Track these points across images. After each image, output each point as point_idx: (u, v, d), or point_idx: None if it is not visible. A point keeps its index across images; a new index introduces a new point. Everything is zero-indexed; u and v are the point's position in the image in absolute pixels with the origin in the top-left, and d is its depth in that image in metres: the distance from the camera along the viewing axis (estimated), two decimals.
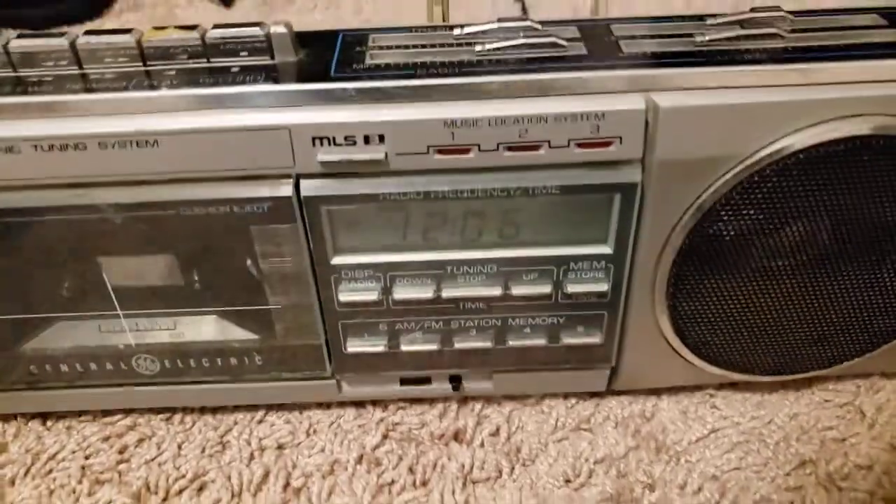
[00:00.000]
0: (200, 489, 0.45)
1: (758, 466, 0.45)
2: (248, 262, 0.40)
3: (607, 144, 0.37)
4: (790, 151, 0.37)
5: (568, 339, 0.44)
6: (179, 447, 0.48)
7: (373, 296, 0.41)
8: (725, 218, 0.39)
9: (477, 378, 0.48)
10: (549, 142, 0.36)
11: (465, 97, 0.36)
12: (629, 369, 0.47)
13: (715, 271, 0.41)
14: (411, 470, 0.46)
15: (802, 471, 0.45)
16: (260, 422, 0.49)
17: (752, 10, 0.39)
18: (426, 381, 0.48)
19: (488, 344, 0.44)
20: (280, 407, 0.50)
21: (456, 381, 0.48)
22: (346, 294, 0.42)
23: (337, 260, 0.41)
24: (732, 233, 0.39)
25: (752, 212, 0.38)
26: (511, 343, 0.44)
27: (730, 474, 0.45)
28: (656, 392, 0.49)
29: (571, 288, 0.41)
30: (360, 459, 0.47)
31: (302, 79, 0.36)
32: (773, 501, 0.44)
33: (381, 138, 0.36)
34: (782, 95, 0.36)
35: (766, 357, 0.45)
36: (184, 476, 0.46)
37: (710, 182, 0.38)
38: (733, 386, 0.49)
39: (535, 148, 0.37)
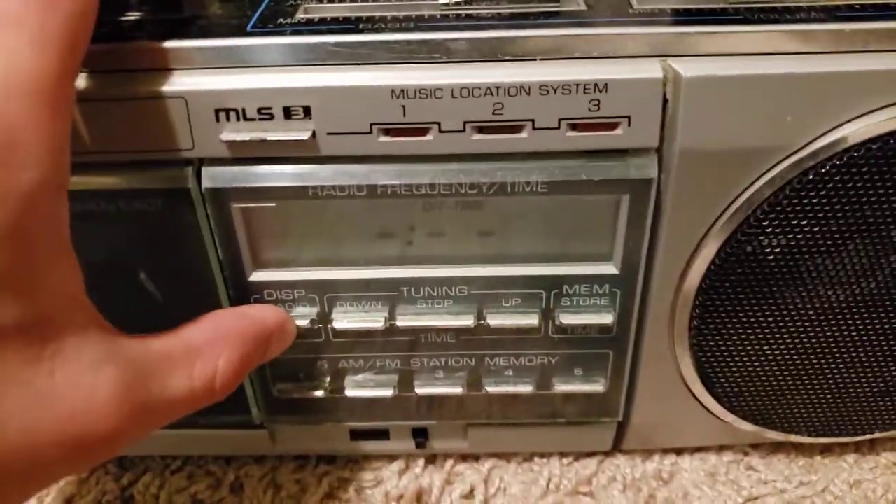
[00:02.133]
0: None
1: None
2: (143, 275, 0.31)
3: (612, 127, 0.28)
4: (858, 141, 0.28)
5: (562, 386, 0.35)
6: (69, 502, 0.39)
7: (305, 323, 0.33)
8: (769, 230, 0.30)
9: (447, 433, 0.39)
10: (532, 121, 0.28)
11: (421, 59, 0.28)
12: (641, 425, 0.38)
13: (753, 300, 0.32)
14: None
15: None
16: (175, 472, 0.40)
17: None
18: (383, 434, 0.39)
19: (459, 390, 0.35)
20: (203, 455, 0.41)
21: (421, 435, 0.39)
22: None
23: (256, 276, 0.32)
24: (777, 250, 0.30)
25: (804, 223, 0.29)
26: (488, 390, 0.35)
27: None
28: (676, 448, 0.40)
29: (566, 319, 0.33)
30: None
31: (206, 34, 0.28)
32: None
33: (307, 111, 0.28)
34: (848, 64, 0.27)
35: (817, 413, 0.36)
36: None
37: (748, 182, 0.29)
38: (780, 445, 0.40)
39: (515, 129, 0.28)
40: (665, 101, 0.28)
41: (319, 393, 0.35)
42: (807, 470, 0.39)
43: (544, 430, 0.38)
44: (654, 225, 0.30)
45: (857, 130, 0.28)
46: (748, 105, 0.27)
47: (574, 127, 0.28)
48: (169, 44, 0.28)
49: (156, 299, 0.32)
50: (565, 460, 0.40)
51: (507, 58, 0.28)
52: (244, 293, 0.32)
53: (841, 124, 0.28)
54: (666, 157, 0.29)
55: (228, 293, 0.32)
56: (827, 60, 0.27)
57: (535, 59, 0.28)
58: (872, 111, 0.28)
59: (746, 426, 0.37)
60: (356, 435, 0.39)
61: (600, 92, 0.27)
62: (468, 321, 0.33)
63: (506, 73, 0.27)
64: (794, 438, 0.38)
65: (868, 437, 0.38)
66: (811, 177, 0.28)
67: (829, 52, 0.28)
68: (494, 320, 0.33)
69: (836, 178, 0.28)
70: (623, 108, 0.28)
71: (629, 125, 0.28)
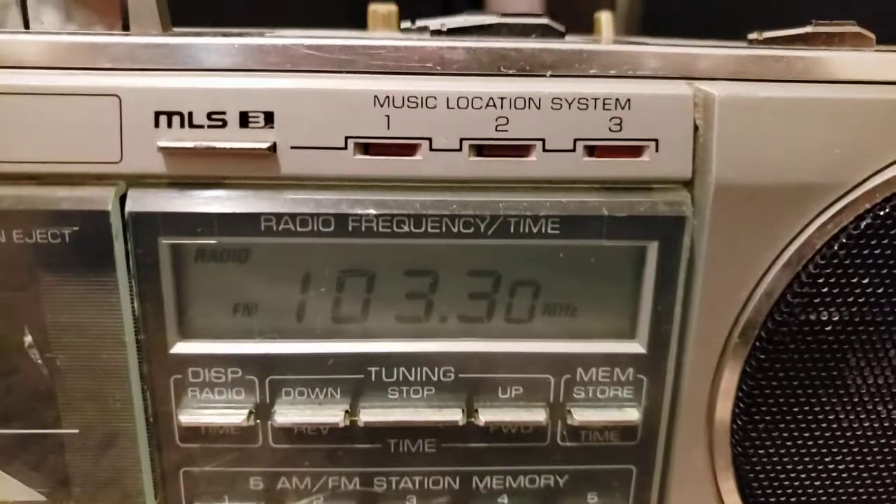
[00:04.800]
0: None
1: None
2: (28, 341, 0.24)
3: (636, 152, 0.24)
4: None
5: None
6: None
7: (239, 420, 0.25)
8: (824, 289, 0.25)
9: None
10: (543, 141, 0.24)
11: (412, 69, 0.24)
12: None
13: (811, 392, 0.26)
14: None
15: None
16: None
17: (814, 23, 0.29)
18: None
19: None
20: None
21: None
22: (194, 414, 0.25)
23: (181, 347, 0.25)
24: (837, 319, 0.25)
25: (864, 280, 0.25)
26: None
27: None
28: None
29: (581, 415, 0.26)
30: None
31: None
32: None
33: (269, 118, 0.23)
34: None
35: None
36: None
37: (797, 229, 0.25)
38: None
39: (522, 151, 0.24)
40: (696, 127, 0.24)
41: None
42: None
43: None
44: (688, 284, 0.25)
45: None
46: (790, 133, 0.24)
47: (592, 151, 0.24)
48: (103, 39, 0.24)
49: (44, 378, 0.25)
50: None
51: (511, 71, 0.24)
52: (162, 370, 0.25)
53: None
54: (698, 194, 0.25)
55: (141, 370, 0.25)
56: (880, 88, 0.25)
57: (545, 76, 0.24)
58: None
59: None
60: None
61: (622, 108, 0.24)
62: (454, 417, 0.26)
63: (512, 84, 0.24)
64: None
65: None
66: (869, 220, 0.25)
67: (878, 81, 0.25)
68: (488, 416, 0.26)
69: None
70: (649, 129, 0.24)
71: (657, 150, 0.24)
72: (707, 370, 0.26)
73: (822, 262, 0.25)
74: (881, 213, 0.25)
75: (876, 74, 0.25)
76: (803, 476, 0.27)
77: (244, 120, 0.23)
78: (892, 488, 0.28)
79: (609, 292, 0.26)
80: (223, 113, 0.23)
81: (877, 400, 0.27)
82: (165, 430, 0.26)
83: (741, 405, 0.26)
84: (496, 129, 0.24)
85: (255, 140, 0.23)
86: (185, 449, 0.26)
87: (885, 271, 0.25)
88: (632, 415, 0.26)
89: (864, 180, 0.25)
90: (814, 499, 0.28)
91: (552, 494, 0.27)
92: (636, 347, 0.26)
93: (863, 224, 0.25)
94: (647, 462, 0.27)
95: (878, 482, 0.28)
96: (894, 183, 0.25)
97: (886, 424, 0.27)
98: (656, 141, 0.24)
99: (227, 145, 0.23)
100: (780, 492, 0.27)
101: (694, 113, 0.24)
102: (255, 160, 0.23)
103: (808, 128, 0.24)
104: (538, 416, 0.26)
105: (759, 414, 0.26)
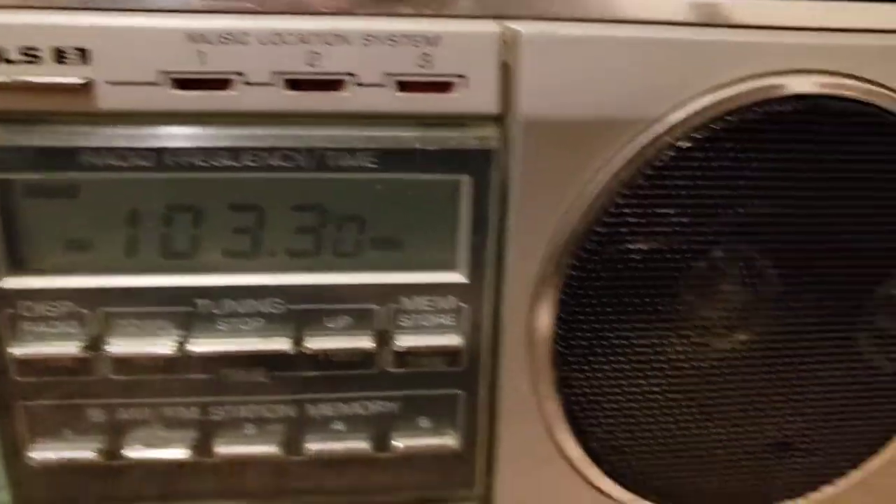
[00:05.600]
0: None
1: None
2: None
3: (446, 88, 0.25)
4: (715, 114, 0.26)
5: (404, 441, 0.29)
6: None
7: (73, 349, 0.26)
8: (630, 219, 0.27)
9: None
10: (355, 76, 0.25)
11: (226, 7, 0.25)
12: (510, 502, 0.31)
13: (624, 318, 0.28)
14: None
15: None
16: None
17: None
18: None
19: (273, 449, 0.28)
20: None
21: None
22: (28, 347, 0.26)
23: (12, 283, 0.26)
24: (645, 248, 0.27)
25: (668, 209, 0.27)
26: (309, 448, 0.29)
27: None
28: None
29: (405, 341, 0.28)
30: None
31: None
32: None
33: (84, 55, 0.24)
34: (706, 34, 0.26)
35: (709, 475, 0.31)
36: None
37: (603, 161, 0.27)
38: None
39: (335, 86, 0.25)
40: (505, 64, 0.26)
41: (90, 455, 0.28)
42: None
43: None
44: (503, 216, 0.27)
45: (714, 102, 0.26)
46: (599, 69, 0.26)
47: (403, 86, 0.25)
48: None
49: None
50: None
51: (323, 10, 0.25)
52: None
53: (699, 94, 0.26)
54: (509, 129, 0.26)
55: None
56: (682, 30, 0.26)
57: (356, 14, 0.25)
58: (732, 82, 0.26)
59: (624, 495, 0.31)
60: None
61: (431, 45, 0.25)
62: (283, 345, 0.27)
63: (324, 21, 0.25)
64: None
65: None
66: (670, 153, 0.26)
67: (684, 23, 0.27)
68: (316, 343, 0.27)
69: (699, 154, 0.26)
70: (457, 65, 0.25)
71: (467, 86, 0.25)
72: (525, 298, 0.28)
73: (628, 194, 0.27)
74: (681, 145, 0.26)
75: (673, 15, 0.27)
76: (622, 399, 0.29)
77: (60, 56, 0.24)
78: (705, 408, 0.30)
79: (431, 225, 0.27)
80: (37, 49, 0.24)
81: (688, 325, 0.29)
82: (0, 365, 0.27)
83: (559, 332, 0.28)
84: (308, 64, 0.25)
85: (71, 75, 0.24)
86: (22, 383, 0.27)
87: (688, 201, 0.27)
88: (454, 340, 0.28)
89: (666, 115, 0.26)
90: (632, 420, 0.30)
91: (384, 420, 0.29)
92: (457, 277, 0.28)
93: (664, 156, 0.26)
94: (474, 387, 0.29)
95: (692, 404, 0.30)
96: (693, 117, 0.26)
97: (698, 348, 0.29)
98: (465, 77, 0.25)
99: (42, 80, 0.24)
100: (600, 414, 0.29)
101: (503, 51, 0.26)
102: (72, 95, 0.24)
103: (612, 65, 0.26)
104: (364, 343, 0.27)
105: (577, 340, 0.28)
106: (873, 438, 0.32)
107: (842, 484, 0.33)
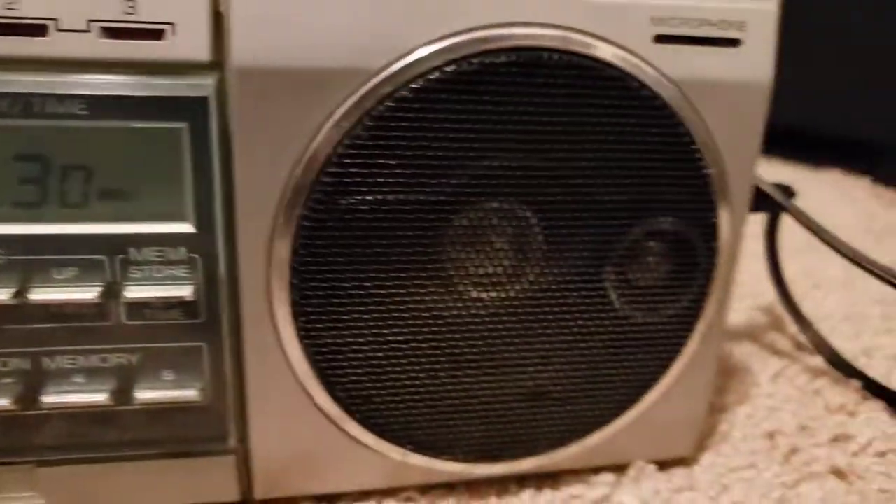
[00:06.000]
0: None
1: None
2: None
3: (156, 35, 0.25)
4: (433, 65, 0.27)
5: (146, 394, 0.29)
6: None
7: None
8: (358, 177, 0.27)
9: (9, 481, 0.31)
10: (57, 21, 0.25)
11: None
12: (268, 458, 0.32)
13: (360, 269, 0.29)
14: None
15: None
16: None
17: None
18: None
19: (5, 402, 0.28)
20: None
21: None
22: None
23: None
24: (371, 199, 0.28)
25: (391, 161, 0.27)
26: (45, 401, 0.28)
27: None
28: (328, 494, 0.34)
29: (133, 293, 0.28)
30: None
31: None
32: None
33: None
34: None
35: (464, 424, 0.32)
36: None
37: (325, 113, 0.27)
38: (451, 488, 0.35)
39: (37, 30, 0.25)
40: (217, 13, 0.26)
41: None
42: None
43: (148, 471, 0.31)
44: (229, 166, 0.27)
45: (433, 52, 0.27)
46: (312, 20, 0.26)
47: (109, 32, 0.25)
48: None
49: None
50: None
51: None
52: None
53: (415, 47, 0.27)
54: (228, 78, 0.26)
55: None
56: None
57: None
58: (454, 34, 0.27)
59: (395, 451, 0.32)
60: None
61: None
62: (4, 295, 0.27)
63: None
64: (449, 464, 0.33)
65: (536, 465, 0.34)
66: (390, 103, 0.27)
67: None
68: (39, 295, 0.27)
69: (416, 105, 0.27)
70: (164, 13, 0.25)
71: (174, 34, 0.25)
72: (260, 250, 0.28)
73: (349, 144, 0.27)
74: (399, 95, 0.27)
75: None
76: (366, 349, 0.30)
77: None
78: (455, 358, 0.31)
79: (158, 175, 0.27)
80: None
81: (420, 274, 0.29)
82: None
83: (296, 283, 0.28)
84: (7, 8, 0.24)
85: None
86: None
87: (409, 153, 0.27)
88: (185, 291, 0.28)
89: (387, 66, 0.27)
90: (379, 370, 0.30)
91: (126, 373, 0.29)
92: (187, 228, 0.28)
93: (382, 107, 0.27)
94: (216, 338, 0.29)
95: (440, 354, 0.31)
96: (412, 68, 0.27)
97: (435, 297, 0.30)
98: (174, 24, 0.25)
99: None
100: (345, 364, 0.30)
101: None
102: None
103: (330, 16, 0.26)
104: (91, 294, 0.27)
105: (313, 291, 0.29)
106: (632, 386, 0.33)
107: (611, 427, 0.34)
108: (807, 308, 0.53)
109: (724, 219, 0.32)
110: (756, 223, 0.49)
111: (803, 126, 0.94)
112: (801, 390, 0.44)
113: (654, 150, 0.30)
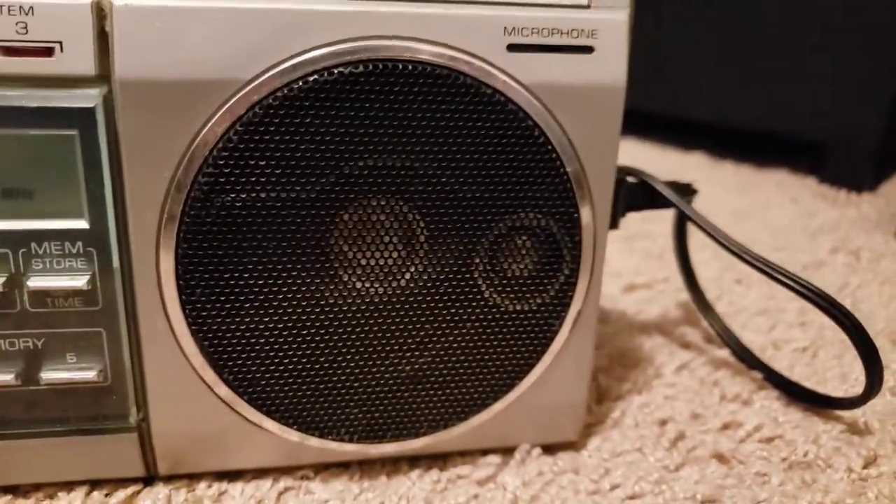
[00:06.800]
0: None
1: None
2: None
3: (47, 52, 0.29)
4: (298, 76, 0.30)
5: (51, 375, 0.32)
6: None
7: None
8: (231, 177, 0.31)
9: None
10: None
11: None
12: (168, 436, 0.35)
13: (238, 260, 0.32)
14: None
15: None
16: None
17: None
18: None
19: None
20: None
21: None
22: None
23: None
24: (245, 197, 0.31)
25: (263, 164, 0.31)
26: None
27: None
28: (229, 471, 0.37)
29: (35, 282, 0.31)
30: None
31: None
32: None
33: None
34: (287, 2, 0.30)
35: (346, 404, 0.35)
36: None
37: (203, 120, 0.30)
38: (345, 467, 0.38)
39: None
40: (103, 31, 0.29)
41: None
42: (370, 490, 0.37)
43: (56, 448, 0.34)
44: (117, 169, 0.31)
45: (298, 63, 0.30)
46: (188, 38, 0.29)
47: (4, 51, 0.29)
48: None
49: None
50: (97, 493, 0.36)
51: None
52: None
53: (288, 59, 0.30)
54: (114, 90, 0.30)
55: None
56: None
57: None
58: (321, 46, 0.30)
59: (272, 425, 0.35)
60: None
61: (27, 15, 0.28)
62: None
63: None
64: (336, 444, 0.36)
65: (424, 445, 0.37)
66: (257, 110, 0.30)
67: None
68: None
69: (282, 114, 0.30)
70: (53, 32, 0.29)
71: (61, 51, 0.29)
72: (150, 244, 0.31)
73: (222, 147, 0.30)
74: (267, 103, 0.30)
75: None
76: (249, 336, 0.33)
77: None
78: (336, 344, 0.34)
79: (56, 177, 0.31)
80: None
81: (302, 266, 0.33)
82: None
83: (181, 273, 0.32)
84: None
85: None
86: None
87: (277, 154, 0.31)
88: (81, 281, 0.31)
89: (255, 77, 0.30)
90: (264, 355, 0.33)
91: (33, 356, 0.32)
92: (82, 224, 0.31)
93: (252, 113, 0.30)
94: (113, 325, 0.32)
95: (321, 340, 0.34)
96: (277, 78, 0.30)
97: (320, 287, 0.33)
98: (60, 43, 0.29)
99: None
100: (231, 349, 0.33)
101: (99, 19, 0.29)
102: None
103: (204, 32, 0.29)
104: None
105: (197, 281, 0.32)
106: (506, 371, 0.36)
107: (491, 411, 0.37)
108: (727, 302, 0.56)
109: (585, 213, 0.35)
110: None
111: (751, 127, 0.97)
112: (701, 381, 0.47)
113: (512, 152, 0.33)
